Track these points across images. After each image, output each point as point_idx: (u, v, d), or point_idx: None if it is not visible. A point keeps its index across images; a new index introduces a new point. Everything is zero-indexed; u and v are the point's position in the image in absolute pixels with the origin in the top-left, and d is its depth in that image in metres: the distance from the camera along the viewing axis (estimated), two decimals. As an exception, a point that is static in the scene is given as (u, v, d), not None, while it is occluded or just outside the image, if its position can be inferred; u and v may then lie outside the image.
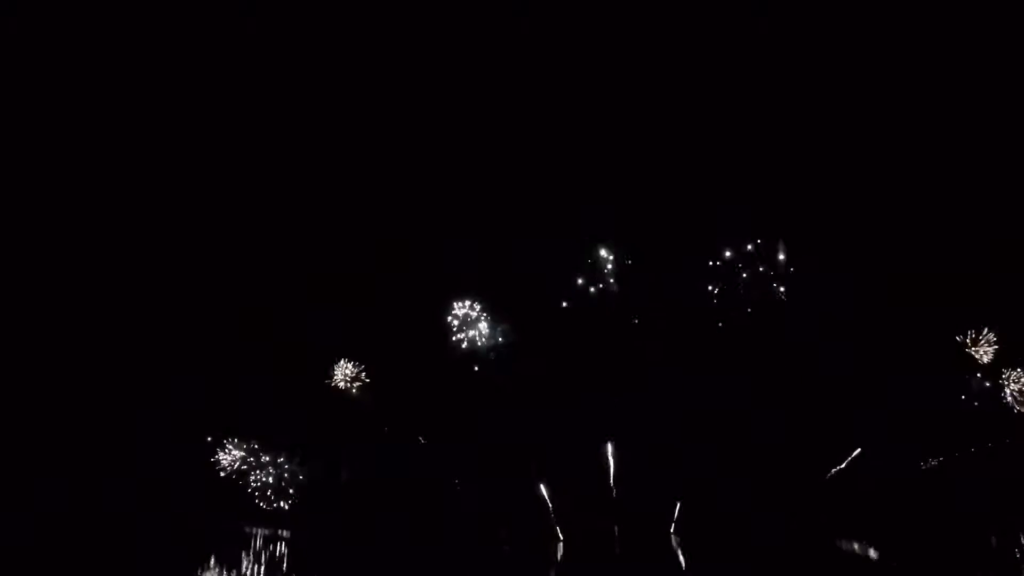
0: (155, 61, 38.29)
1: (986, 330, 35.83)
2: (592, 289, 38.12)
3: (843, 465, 36.60)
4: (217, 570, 31.52)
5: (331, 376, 38.54)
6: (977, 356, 35.75)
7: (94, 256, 39.01)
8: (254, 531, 39.61)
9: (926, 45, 35.55)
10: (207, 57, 38.26)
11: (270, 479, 37.99)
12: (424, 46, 38.19)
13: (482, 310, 37.98)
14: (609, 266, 37.63)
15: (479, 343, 37.96)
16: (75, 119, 38.06)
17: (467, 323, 37.95)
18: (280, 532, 39.16)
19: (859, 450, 36.25)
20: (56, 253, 38.71)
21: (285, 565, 33.71)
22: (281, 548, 37.35)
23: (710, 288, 37.43)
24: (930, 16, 35.05)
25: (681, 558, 33.39)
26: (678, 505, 37.02)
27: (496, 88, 38.31)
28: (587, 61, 37.80)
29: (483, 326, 37.88)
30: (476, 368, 38.15)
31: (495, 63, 38.05)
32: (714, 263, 37.39)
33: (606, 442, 37.52)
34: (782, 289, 37.10)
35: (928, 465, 36.06)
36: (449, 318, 38.09)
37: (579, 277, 37.94)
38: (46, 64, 37.68)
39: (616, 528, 37.22)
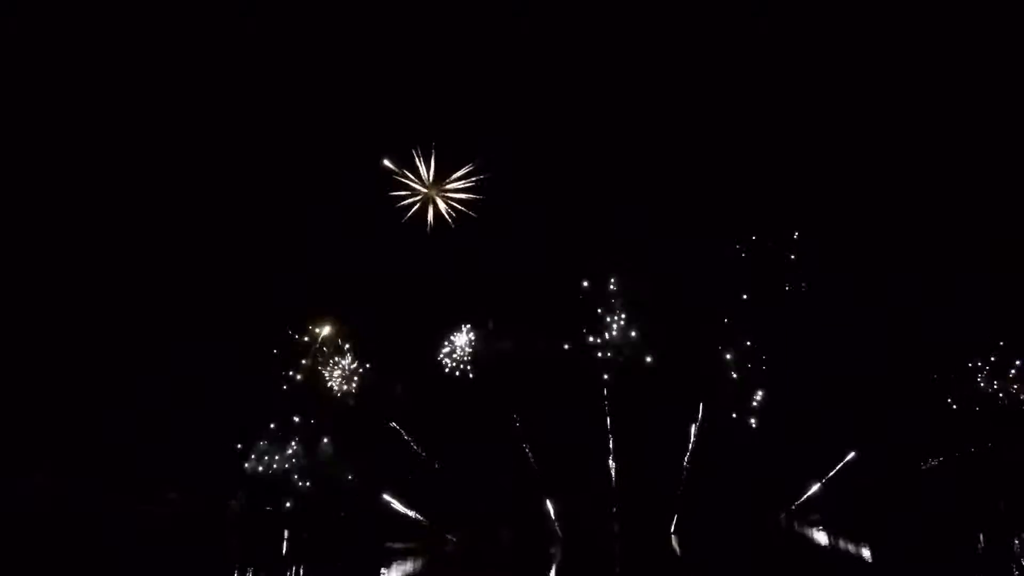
0: (153, 61, 38.25)
1: None
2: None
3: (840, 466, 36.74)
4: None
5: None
6: None
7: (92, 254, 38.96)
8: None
9: (926, 45, 35.53)
10: (207, 56, 38.23)
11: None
12: (424, 46, 38.13)
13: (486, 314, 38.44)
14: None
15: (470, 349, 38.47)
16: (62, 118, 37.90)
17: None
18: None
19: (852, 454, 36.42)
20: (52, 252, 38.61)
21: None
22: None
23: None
24: (930, 16, 35.02)
25: (681, 558, 33.55)
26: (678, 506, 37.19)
27: (495, 89, 38.23)
28: (586, 62, 37.75)
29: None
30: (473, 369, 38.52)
31: (494, 63, 38.00)
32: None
33: (607, 442, 37.66)
34: (787, 288, 37.30)
35: (928, 465, 36.11)
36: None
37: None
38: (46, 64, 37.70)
39: (616, 528, 37.34)
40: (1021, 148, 35.11)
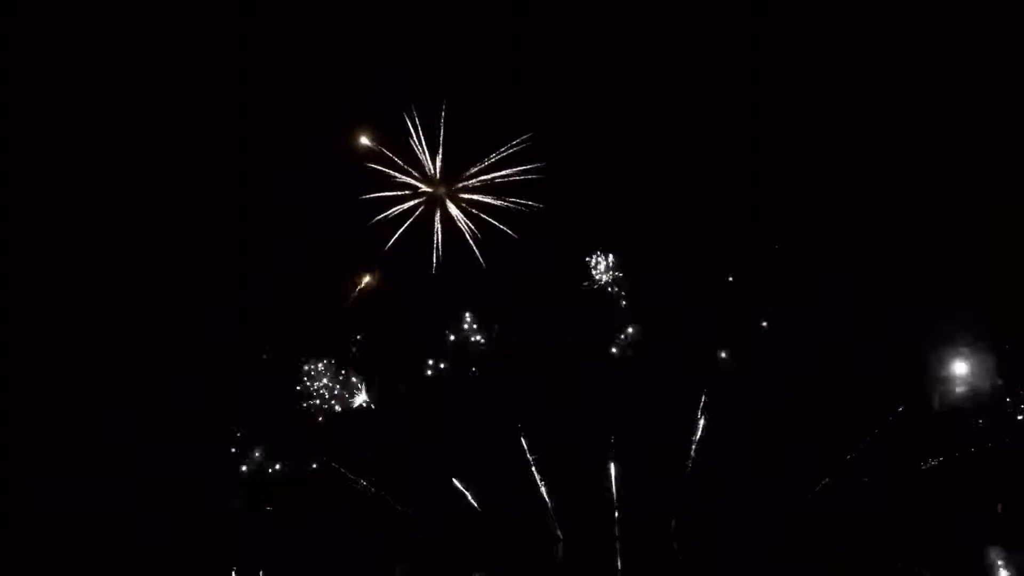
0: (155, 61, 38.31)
1: None
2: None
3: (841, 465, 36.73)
4: None
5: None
6: None
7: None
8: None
9: (926, 45, 35.63)
10: (206, 57, 38.28)
11: None
12: (424, 46, 38.14)
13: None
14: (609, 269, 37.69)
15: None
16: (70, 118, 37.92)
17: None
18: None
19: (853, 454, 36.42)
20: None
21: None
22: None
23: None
24: (930, 16, 35.11)
25: (681, 558, 33.58)
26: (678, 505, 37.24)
27: (495, 88, 38.24)
28: (586, 62, 37.83)
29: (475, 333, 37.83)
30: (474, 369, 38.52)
31: (494, 63, 38.03)
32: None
33: (608, 442, 37.67)
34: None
35: (928, 465, 36.12)
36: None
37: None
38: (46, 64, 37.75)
39: (616, 527, 37.39)
40: (1018, 147, 35.26)
